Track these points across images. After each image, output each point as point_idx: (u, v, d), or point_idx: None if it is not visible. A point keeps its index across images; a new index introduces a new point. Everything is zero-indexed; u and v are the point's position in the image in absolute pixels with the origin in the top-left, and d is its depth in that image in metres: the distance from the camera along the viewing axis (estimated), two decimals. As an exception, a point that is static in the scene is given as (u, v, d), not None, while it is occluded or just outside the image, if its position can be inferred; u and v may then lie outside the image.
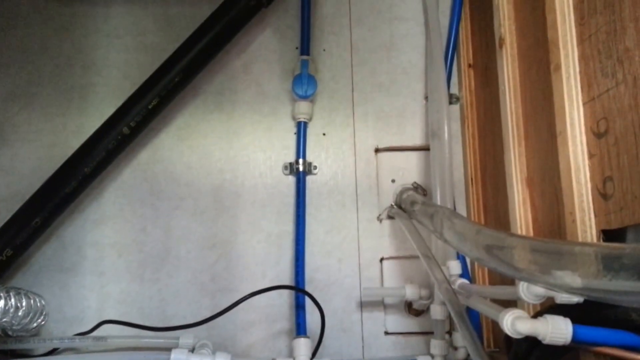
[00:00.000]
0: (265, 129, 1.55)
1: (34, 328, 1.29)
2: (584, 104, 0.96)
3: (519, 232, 1.15)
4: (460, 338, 1.34)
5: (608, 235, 0.88)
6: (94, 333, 1.39)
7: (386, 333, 1.46)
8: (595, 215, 0.91)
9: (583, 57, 0.97)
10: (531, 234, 1.14)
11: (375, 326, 1.46)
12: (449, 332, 1.38)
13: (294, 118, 1.54)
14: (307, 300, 1.39)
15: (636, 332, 0.81)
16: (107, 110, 1.42)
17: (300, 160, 1.51)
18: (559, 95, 0.99)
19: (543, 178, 1.10)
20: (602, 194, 0.90)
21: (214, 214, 1.50)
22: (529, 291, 0.92)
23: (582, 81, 0.96)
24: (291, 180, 1.52)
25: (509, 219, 1.20)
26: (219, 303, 1.41)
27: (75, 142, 1.41)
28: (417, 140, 1.55)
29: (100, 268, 1.46)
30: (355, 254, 1.49)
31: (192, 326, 1.36)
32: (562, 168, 0.98)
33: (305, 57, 1.54)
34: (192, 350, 1.27)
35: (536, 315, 0.87)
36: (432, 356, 1.34)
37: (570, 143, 0.96)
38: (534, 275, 0.68)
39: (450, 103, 1.53)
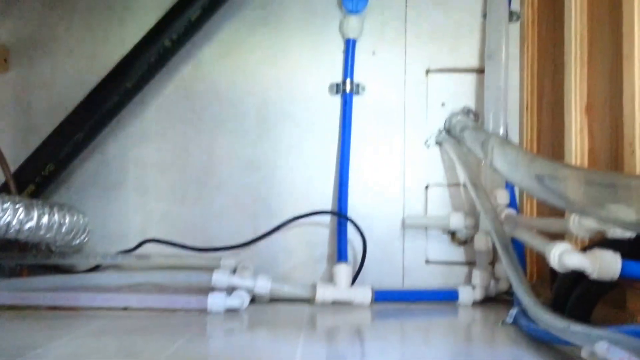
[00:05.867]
0: (312, 47, 1.53)
1: (76, 244, 1.34)
2: (655, 25, 0.91)
3: (574, 163, 1.13)
4: (502, 269, 1.35)
5: (669, 168, 0.86)
6: (137, 251, 1.45)
7: (427, 262, 1.47)
8: (657, 147, 0.89)
9: (657, -28, 0.91)
10: (586, 165, 1.11)
11: (417, 254, 1.47)
12: (492, 263, 1.39)
13: (342, 35, 1.51)
14: (349, 226, 1.41)
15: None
16: (148, 21, 1.42)
17: (348, 81, 1.49)
18: (629, 15, 0.94)
19: (604, 105, 1.07)
20: (666, 125, 0.87)
21: (257, 135, 1.51)
22: (580, 224, 0.91)
23: (655, -1, 0.91)
24: (337, 101, 1.51)
25: (564, 148, 1.17)
26: (261, 226, 1.45)
27: (116, 54, 1.42)
28: (472, 62, 1.50)
29: (143, 186, 1.50)
30: (400, 180, 1.49)
31: (234, 248, 1.41)
32: (625, 95, 0.95)
33: (356, -34, 1.50)
34: (234, 271, 1.31)
35: (584, 249, 0.87)
36: (474, 286, 1.35)
37: (636, 68, 0.92)
38: (587, 208, 0.68)
39: (510, 21, 1.47)
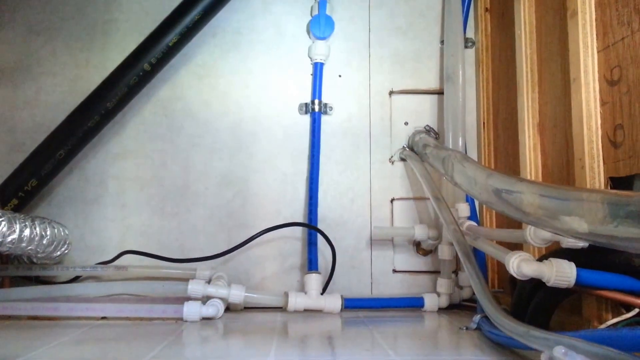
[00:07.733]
0: (282, 69, 1.52)
1: (57, 256, 1.31)
2: (598, 52, 0.93)
3: (529, 177, 1.14)
4: (466, 278, 1.35)
5: (616, 182, 0.87)
6: (115, 262, 1.41)
7: (394, 271, 1.47)
8: (604, 163, 0.90)
9: (600, 4, 0.93)
10: (540, 179, 1.12)
11: (384, 264, 1.47)
12: (455, 272, 1.39)
13: (311, 59, 1.51)
14: (319, 238, 1.40)
15: (637, 276, 0.80)
16: (128, 46, 1.40)
17: (316, 101, 1.49)
18: (574, 42, 0.96)
19: (554, 124, 1.08)
20: (612, 142, 0.88)
21: (231, 152, 1.49)
22: (536, 235, 0.91)
23: (598, 28, 0.93)
24: (307, 120, 1.50)
25: (519, 164, 1.18)
26: (235, 238, 1.42)
27: (98, 77, 1.40)
28: (432, 84, 1.52)
29: (121, 201, 1.47)
30: (367, 194, 1.48)
31: (209, 259, 1.38)
32: (574, 114, 0.96)
33: (323, -3, 1.50)
34: (209, 281, 1.29)
35: (541, 258, 0.87)
36: (438, 294, 1.35)
37: (583, 90, 0.94)
38: (541, 219, 0.67)
39: (466, 47, 1.49)
